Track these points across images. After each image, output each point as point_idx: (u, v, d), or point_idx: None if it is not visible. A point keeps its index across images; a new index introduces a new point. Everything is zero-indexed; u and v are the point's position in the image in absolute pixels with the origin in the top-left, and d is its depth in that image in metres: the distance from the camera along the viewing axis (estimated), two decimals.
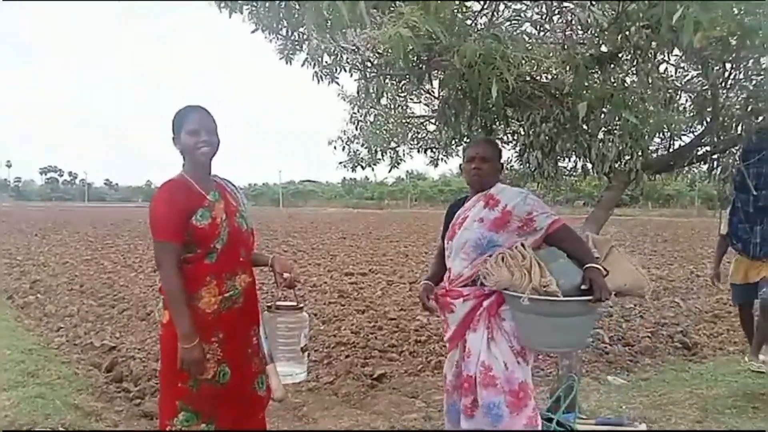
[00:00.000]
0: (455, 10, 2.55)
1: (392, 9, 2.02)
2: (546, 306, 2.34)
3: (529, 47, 2.72)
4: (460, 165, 2.88)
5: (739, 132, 3.74)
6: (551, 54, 3.08)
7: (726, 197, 4.54)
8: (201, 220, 2.31)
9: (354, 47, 2.94)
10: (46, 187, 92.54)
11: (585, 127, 3.34)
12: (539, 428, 2.53)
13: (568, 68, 2.98)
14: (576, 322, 2.44)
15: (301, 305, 2.71)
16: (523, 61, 2.64)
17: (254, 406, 2.53)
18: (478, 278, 2.53)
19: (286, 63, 3.70)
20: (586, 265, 2.43)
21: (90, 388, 4.25)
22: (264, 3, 3.18)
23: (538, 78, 3.32)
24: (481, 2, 3.04)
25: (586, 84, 3.06)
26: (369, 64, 3.46)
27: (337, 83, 3.78)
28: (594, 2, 2.63)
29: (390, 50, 2.08)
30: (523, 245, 2.48)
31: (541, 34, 3.19)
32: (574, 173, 4.26)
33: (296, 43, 3.58)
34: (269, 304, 2.65)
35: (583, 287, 2.38)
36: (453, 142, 4.43)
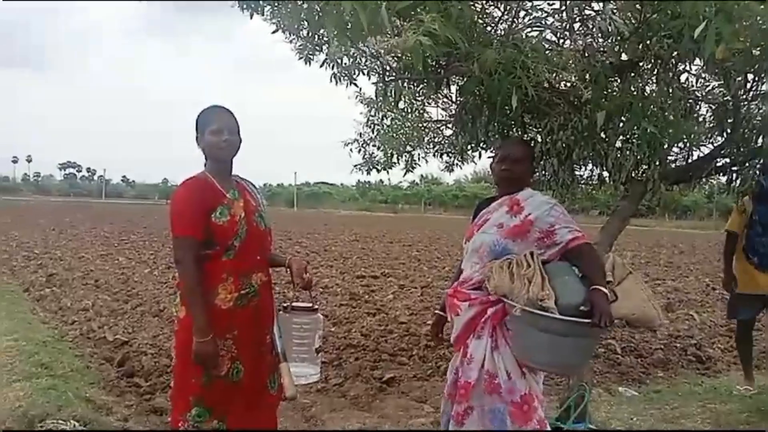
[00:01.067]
0: (476, 17, 2.54)
1: (413, 15, 2.02)
2: (538, 320, 2.25)
3: (549, 55, 2.71)
4: (491, 164, 2.79)
5: (760, 144, 3.70)
6: (571, 62, 3.06)
7: (744, 210, 4.48)
8: (220, 218, 2.34)
9: (373, 54, 2.95)
10: (64, 182, 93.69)
11: (603, 135, 3.32)
12: None
13: (587, 76, 2.96)
14: (569, 343, 2.30)
15: (316, 306, 2.72)
16: (543, 70, 2.62)
17: (266, 405, 2.54)
18: (484, 284, 2.49)
19: (306, 63, 3.73)
20: (592, 287, 2.32)
21: (102, 382, 4.29)
22: (286, 4, 3.20)
23: (557, 86, 3.31)
24: (501, 7, 3.03)
25: (605, 93, 3.03)
26: (388, 68, 3.47)
27: (356, 85, 3.79)
28: (615, 10, 2.61)
29: (409, 56, 2.08)
30: (532, 254, 2.40)
31: (562, 41, 3.17)
32: (591, 182, 4.22)
33: (316, 45, 3.60)
34: (285, 305, 2.67)
35: (582, 308, 2.27)
36: (469, 147, 4.42)
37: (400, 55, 2.98)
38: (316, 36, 3.54)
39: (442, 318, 2.92)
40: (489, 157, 3.03)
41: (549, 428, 2.54)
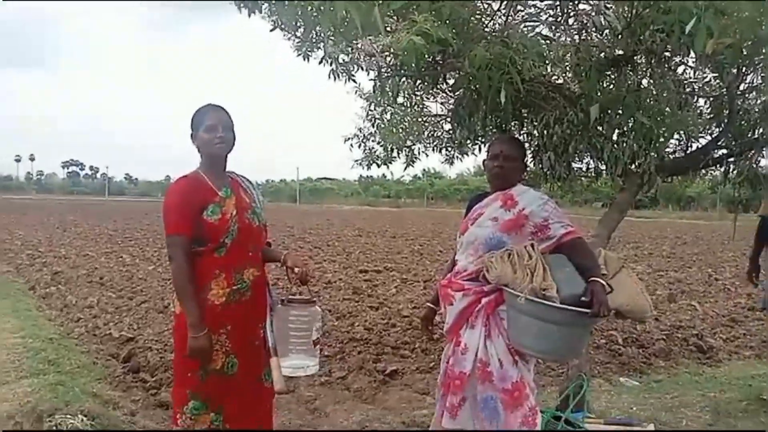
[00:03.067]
0: (468, 15, 2.57)
1: (406, 15, 2.05)
2: (540, 309, 2.30)
3: (542, 49, 2.73)
4: (484, 161, 2.82)
5: (756, 136, 3.72)
6: (568, 55, 3.09)
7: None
8: (212, 215, 2.38)
9: (369, 52, 2.98)
10: (68, 180, 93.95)
11: (599, 128, 3.34)
12: (537, 428, 2.49)
13: (581, 70, 2.99)
14: (567, 332, 2.36)
15: (314, 299, 2.77)
16: (535, 64, 2.65)
17: (261, 397, 2.59)
18: (481, 275, 2.53)
19: (304, 60, 3.75)
20: (591, 278, 2.38)
21: (108, 378, 4.35)
22: (282, 3, 3.23)
23: (552, 80, 3.33)
24: (495, 5, 3.06)
25: (599, 86, 3.06)
26: (384, 66, 3.50)
27: (354, 81, 3.81)
28: (609, 6, 2.63)
29: (404, 53, 2.12)
30: (532, 245, 2.45)
31: (556, 35, 3.20)
32: (588, 175, 4.24)
33: (314, 43, 3.63)
34: (282, 298, 2.71)
35: (583, 299, 2.32)
36: (468, 141, 4.45)
37: (395, 53, 3.01)
38: (313, 33, 3.57)
39: (433, 310, 2.97)
40: (486, 151, 3.06)
41: (540, 416, 2.58)
